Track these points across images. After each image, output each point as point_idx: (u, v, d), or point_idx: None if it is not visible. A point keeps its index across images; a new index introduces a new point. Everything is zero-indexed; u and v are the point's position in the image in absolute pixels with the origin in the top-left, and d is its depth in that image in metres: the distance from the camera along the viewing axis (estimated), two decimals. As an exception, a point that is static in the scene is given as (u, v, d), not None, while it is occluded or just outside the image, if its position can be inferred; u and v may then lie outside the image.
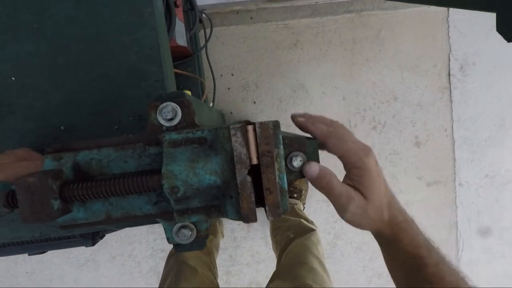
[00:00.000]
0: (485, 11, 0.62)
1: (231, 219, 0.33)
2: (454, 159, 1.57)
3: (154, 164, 0.35)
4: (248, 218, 0.32)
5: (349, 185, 0.36)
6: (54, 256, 1.46)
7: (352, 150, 0.36)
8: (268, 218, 0.32)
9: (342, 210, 0.36)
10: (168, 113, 0.34)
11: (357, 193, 0.36)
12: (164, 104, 0.35)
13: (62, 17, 0.43)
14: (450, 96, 1.51)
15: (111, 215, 0.35)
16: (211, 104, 1.18)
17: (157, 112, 0.35)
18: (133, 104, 0.46)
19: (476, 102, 1.53)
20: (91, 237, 0.51)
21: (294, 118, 0.38)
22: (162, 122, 0.35)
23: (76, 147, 0.34)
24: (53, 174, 0.30)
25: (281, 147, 0.32)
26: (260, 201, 0.33)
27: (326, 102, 1.46)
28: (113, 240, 1.46)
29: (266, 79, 1.41)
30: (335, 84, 1.45)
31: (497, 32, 0.55)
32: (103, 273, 1.48)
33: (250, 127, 0.32)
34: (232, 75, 1.40)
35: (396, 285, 0.40)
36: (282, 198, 0.32)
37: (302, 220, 1.17)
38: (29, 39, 0.43)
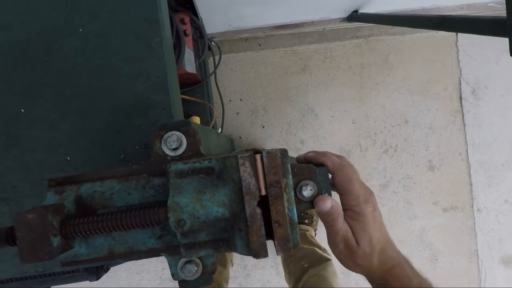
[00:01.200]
0: (497, 36, 0.61)
1: (240, 253, 0.31)
2: (471, 184, 1.52)
3: (159, 195, 0.34)
4: (258, 253, 0.30)
5: (347, 222, 0.37)
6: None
7: (354, 193, 0.36)
8: (277, 254, 0.30)
9: (333, 245, 0.38)
10: (173, 143, 0.34)
11: (353, 236, 0.37)
12: (169, 134, 0.34)
13: (71, 49, 0.44)
14: (463, 120, 1.48)
15: (113, 250, 0.33)
16: (220, 130, 1.18)
17: (162, 141, 0.34)
18: (140, 133, 0.45)
19: (490, 125, 1.50)
20: (96, 271, 0.49)
21: (301, 158, 0.38)
22: (167, 151, 0.34)
23: (79, 180, 0.33)
24: (54, 209, 0.29)
25: (290, 176, 0.31)
26: (270, 233, 0.31)
27: (335, 125, 1.45)
28: (121, 269, 1.42)
29: (275, 103, 1.42)
30: (344, 108, 1.44)
31: (509, 56, 0.54)
32: (108, 303, 1.44)
33: (257, 156, 0.30)
34: (241, 100, 1.41)
35: None
36: (292, 231, 0.30)
37: (316, 249, 1.13)
38: (38, 71, 0.44)
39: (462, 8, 1.39)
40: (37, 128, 0.44)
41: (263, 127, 1.42)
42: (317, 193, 0.34)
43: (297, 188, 0.34)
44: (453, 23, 0.77)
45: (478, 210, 1.54)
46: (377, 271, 0.37)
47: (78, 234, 0.30)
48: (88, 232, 0.30)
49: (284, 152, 0.30)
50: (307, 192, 0.33)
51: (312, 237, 1.30)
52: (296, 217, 0.30)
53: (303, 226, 1.33)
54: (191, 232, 0.31)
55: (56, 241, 0.29)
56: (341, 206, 0.36)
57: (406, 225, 1.50)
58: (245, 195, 0.29)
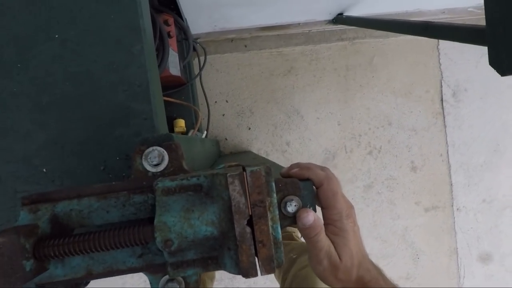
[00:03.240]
0: (476, 44, 0.62)
1: (229, 272, 0.31)
2: (451, 184, 1.56)
3: (139, 213, 0.32)
4: (248, 272, 0.29)
5: (329, 238, 0.37)
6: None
7: (337, 208, 0.37)
8: (261, 274, 0.29)
9: (316, 261, 0.37)
10: (154, 159, 0.33)
11: (335, 252, 0.37)
12: (150, 149, 0.33)
13: (47, 56, 0.42)
14: (444, 121, 1.52)
15: (92, 270, 0.32)
16: (205, 132, 1.17)
17: (143, 157, 0.33)
18: (120, 144, 0.44)
19: (470, 127, 1.54)
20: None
21: (285, 173, 0.38)
22: (148, 167, 0.33)
23: (54, 198, 0.31)
24: (26, 231, 0.28)
25: (274, 195, 0.30)
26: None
27: (321, 127, 1.46)
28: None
29: (261, 105, 1.41)
30: (329, 109, 1.45)
31: (487, 59, 0.55)
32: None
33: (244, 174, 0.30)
34: (227, 101, 1.40)
35: None
36: (277, 250, 0.30)
37: (304, 242, 1.13)
38: (12, 79, 0.42)
39: (444, 12, 1.43)
40: (10, 139, 0.42)
41: (249, 128, 1.41)
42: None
43: (282, 203, 0.34)
44: (436, 30, 0.78)
45: (457, 209, 1.58)
46: (355, 284, 0.38)
47: (55, 256, 0.29)
48: (65, 254, 0.29)
49: (268, 170, 0.30)
50: (292, 208, 0.33)
51: (299, 238, 1.30)
52: (280, 236, 0.30)
53: (290, 228, 1.33)
54: (179, 251, 0.30)
55: (29, 265, 0.27)
56: (322, 220, 0.36)
57: (390, 225, 1.53)
58: (234, 214, 0.28)
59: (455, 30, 0.71)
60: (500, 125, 1.56)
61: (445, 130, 1.53)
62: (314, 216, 0.34)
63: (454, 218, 1.58)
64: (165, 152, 0.33)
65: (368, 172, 1.49)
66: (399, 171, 1.51)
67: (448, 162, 1.54)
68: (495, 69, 0.57)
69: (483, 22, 0.54)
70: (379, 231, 1.53)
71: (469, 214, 1.59)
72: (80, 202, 0.31)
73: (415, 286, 1.57)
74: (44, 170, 0.43)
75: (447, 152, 1.54)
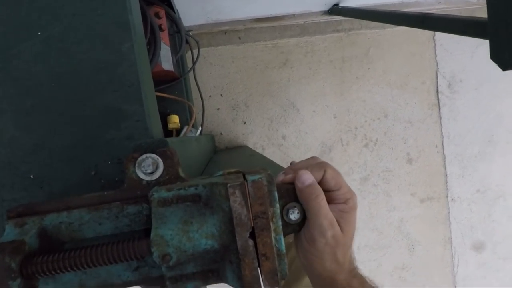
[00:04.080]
0: (478, 37, 0.60)
1: (231, 286, 0.29)
2: (446, 175, 1.57)
3: (134, 225, 0.31)
4: (252, 286, 0.28)
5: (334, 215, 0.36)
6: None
7: (345, 187, 0.37)
8: (264, 287, 0.28)
9: (319, 233, 0.34)
10: (148, 167, 0.31)
11: (338, 225, 0.35)
12: (144, 157, 0.31)
13: (29, 55, 0.39)
14: (439, 113, 1.52)
15: (85, 285, 0.30)
16: (200, 127, 1.15)
17: (136, 165, 0.31)
18: (112, 147, 0.41)
19: (464, 118, 1.54)
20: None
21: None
22: (142, 176, 0.31)
23: (43, 210, 0.29)
24: (11, 249, 0.26)
25: (277, 205, 0.29)
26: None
27: (317, 120, 1.44)
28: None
29: (256, 99, 1.39)
30: (325, 102, 1.44)
31: (482, 50, 0.54)
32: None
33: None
34: (221, 95, 1.37)
35: None
36: (280, 262, 0.29)
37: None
38: (-8, 80, 0.39)
39: (440, 2, 1.40)
40: (-7, 145, 0.40)
41: (245, 123, 1.39)
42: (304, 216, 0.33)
43: (284, 210, 0.32)
44: (434, 22, 0.76)
45: (452, 200, 1.60)
46: (346, 270, 0.37)
47: (44, 274, 0.27)
48: (55, 272, 0.27)
49: (270, 178, 0.28)
50: (295, 215, 0.32)
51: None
52: (284, 248, 0.28)
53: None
54: (177, 264, 0.29)
55: (15, 284, 0.26)
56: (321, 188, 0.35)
57: (386, 216, 1.53)
58: (236, 227, 0.27)
59: (454, 22, 0.69)
60: (494, 116, 1.56)
61: (440, 122, 1.52)
62: (313, 178, 0.34)
63: (448, 208, 1.59)
64: (159, 159, 0.31)
65: (365, 164, 1.49)
66: (395, 163, 1.51)
67: (443, 153, 1.55)
68: (496, 63, 0.56)
69: (479, 13, 0.52)
70: (375, 222, 1.53)
71: (463, 204, 1.60)
72: (70, 215, 0.30)
73: (410, 276, 1.59)
74: (32, 176, 0.40)
75: (442, 144, 1.54)
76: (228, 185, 0.27)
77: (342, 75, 1.43)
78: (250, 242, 0.27)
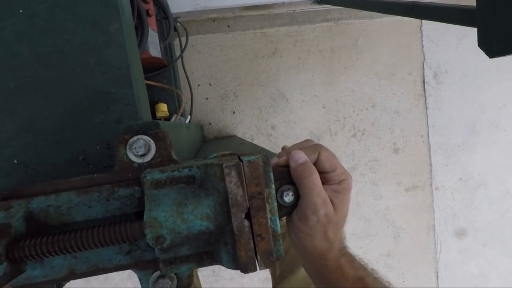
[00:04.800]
0: (465, 25, 0.61)
1: (226, 267, 0.29)
2: (431, 164, 1.61)
3: (125, 208, 0.30)
4: (247, 268, 0.28)
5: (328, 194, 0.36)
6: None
7: (340, 168, 0.37)
8: (259, 268, 0.28)
9: (311, 211, 0.34)
10: (140, 148, 0.30)
11: (331, 204, 0.35)
12: (135, 138, 0.30)
13: (11, 33, 0.37)
14: (425, 103, 1.54)
15: (75, 270, 0.30)
16: (189, 116, 1.13)
17: (127, 147, 0.30)
18: (101, 131, 0.40)
19: (449, 108, 1.58)
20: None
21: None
22: (133, 158, 0.30)
23: (29, 193, 0.28)
24: (-3, 232, 0.25)
25: (273, 186, 0.28)
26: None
27: (306, 110, 1.45)
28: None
29: (245, 88, 1.38)
30: (314, 92, 1.44)
31: (467, 41, 0.54)
32: (74, 298, 1.38)
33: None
34: (210, 84, 1.35)
35: None
36: (276, 243, 0.29)
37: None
38: (-29, 60, 0.37)
39: (428, -7, 1.42)
40: (-26, 128, 0.38)
41: (234, 112, 1.38)
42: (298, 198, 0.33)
43: (278, 193, 0.32)
44: (422, 10, 0.77)
45: (436, 188, 1.64)
46: (336, 248, 0.37)
47: (31, 257, 0.26)
48: (43, 255, 0.26)
49: (266, 159, 0.28)
50: (289, 197, 0.32)
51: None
52: (279, 228, 0.28)
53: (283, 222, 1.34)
54: (171, 247, 0.28)
55: (2, 268, 0.25)
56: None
57: (372, 205, 1.56)
58: (231, 208, 0.27)
59: (443, 10, 0.70)
60: (477, 107, 1.60)
61: (426, 112, 1.55)
62: (307, 157, 0.34)
63: (432, 196, 1.64)
64: (151, 141, 0.30)
65: (353, 154, 1.51)
66: (382, 152, 1.54)
67: (429, 143, 1.58)
68: (483, 50, 0.56)
69: (464, 2, 0.53)
70: (362, 211, 1.56)
71: (447, 192, 1.65)
72: (58, 198, 0.29)
73: (396, 263, 1.63)
74: (15, 161, 0.39)
75: (428, 133, 1.58)
76: (224, 165, 0.26)
77: (331, 65, 1.44)
78: (246, 222, 0.27)
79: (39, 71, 0.39)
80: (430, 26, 1.49)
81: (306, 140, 0.40)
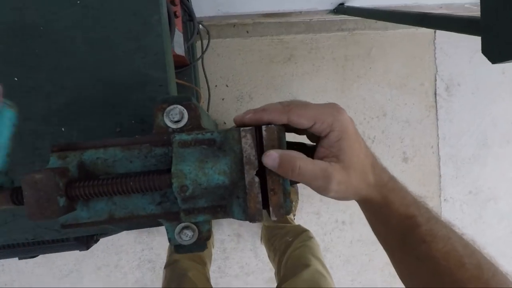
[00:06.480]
0: (471, 34, 0.66)
1: (237, 219, 0.34)
2: (440, 175, 1.62)
3: (160, 164, 0.35)
4: (255, 217, 0.32)
5: (323, 158, 0.32)
6: (36, 267, 1.41)
7: (323, 112, 0.32)
8: (271, 218, 0.33)
9: (322, 190, 0.32)
10: (176, 115, 0.35)
11: (335, 167, 0.31)
12: (172, 107, 0.36)
13: (69, 21, 0.44)
14: (436, 114, 1.57)
15: (114, 214, 0.35)
16: (206, 114, 1.19)
17: (164, 114, 0.36)
18: (136, 108, 0.46)
19: (460, 121, 1.59)
20: (86, 241, 0.50)
21: (239, 121, 0.34)
22: (169, 124, 0.36)
23: (82, 146, 0.34)
24: (59, 172, 0.30)
25: (286, 148, 0.33)
26: (264, 203, 0.34)
27: (317, 115, 1.49)
28: (99, 249, 1.42)
29: (260, 91, 1.44)
30: (327, 98, 1.49)
31: (480, 55, 0.59)
32: (86, 284, 1.43)
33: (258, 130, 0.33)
34: (227, 86, 1.42)
35: (388, 251, 0.37)
36: (285, 199, 0.33)
37: (300, 225, 1.18)
38: (35, 41, 0.44)
39: (441, 7, 1.46)
40: (32, 98, 0.44)
41: (248, 113, 1.44)
42: None
43: None
44: (432, 21, 0.82)
45: (445, 200, 1.64)
46: (375, 188, 0.34)
47: (83, 196, 0.32)
48: (92, 195, 0.32)
49: (281, 128, 0.33)
50: None
51: (292, 220, 1.35)
52: (289, 187, 0.33)
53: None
54: (191, 198, 0.33)
55: (62, 201, 0.30)
56: (294, 152, 0.32)
57: (379, 212, 1.58)
58: (245, 165, 0.32)
59: (451, 20, 0.75)
60: (489, 120, 1.62)
61: (437, 123, 1.58)
62: (277, 152, 0.31)
63: (441, 208, 1.64)
64: (185, 110, 0.35)
65: (361, 160, 1.54)
66: (391, 161, 1.56)
67: (438, 154, 1.60)
68: (486, 57, 0.61)
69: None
70: (369, 218, 1.58)
71: (456, 204, 1.65)
72: (106, 152, 0.34)
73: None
74: (63, 129, 0.45)
75: (438, 145, 1.59)
76: (241, 129, 0.32)
77: (344, 73, 1.49)
78: (256, 178, 0.32)
79: (88, 53, 0.45)
80: (443, 40, 1.53)
81: (279, 102, 0.34)
